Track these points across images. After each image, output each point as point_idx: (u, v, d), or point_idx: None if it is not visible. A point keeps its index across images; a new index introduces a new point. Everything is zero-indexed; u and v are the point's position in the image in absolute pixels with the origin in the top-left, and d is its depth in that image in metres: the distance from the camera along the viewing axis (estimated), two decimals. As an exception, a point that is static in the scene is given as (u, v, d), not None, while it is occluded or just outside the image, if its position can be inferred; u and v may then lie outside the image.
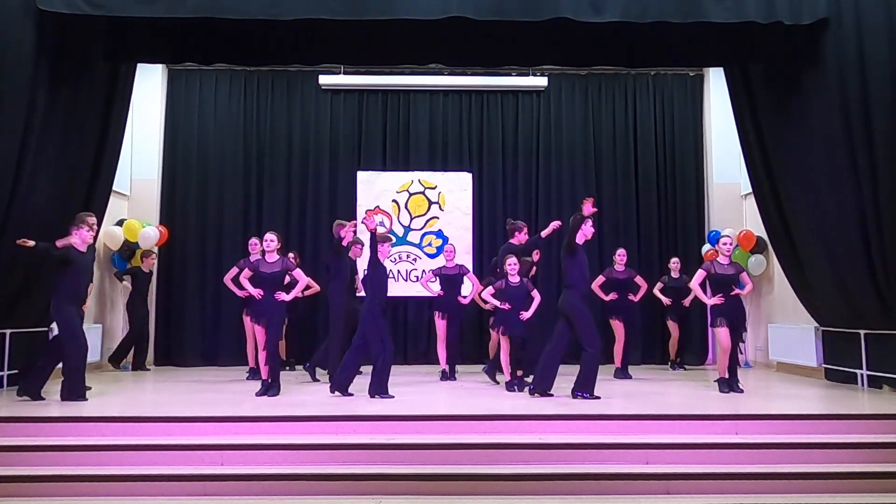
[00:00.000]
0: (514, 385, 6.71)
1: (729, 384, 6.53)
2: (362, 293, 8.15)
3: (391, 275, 9.20)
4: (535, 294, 6.85)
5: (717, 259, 6.74)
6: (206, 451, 4.74)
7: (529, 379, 6.61)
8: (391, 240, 6.83)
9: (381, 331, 6.37)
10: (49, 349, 6.29)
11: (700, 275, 6.73)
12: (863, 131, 6.52)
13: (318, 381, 7.38)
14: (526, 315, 6.72)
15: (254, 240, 7.87)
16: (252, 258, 7.12)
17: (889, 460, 4.75)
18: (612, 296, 8.06)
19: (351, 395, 6.30)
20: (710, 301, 6.60)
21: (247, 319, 7.79)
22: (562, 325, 6.32)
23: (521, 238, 7.35)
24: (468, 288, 8.18)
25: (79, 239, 6.07)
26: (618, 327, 8.04)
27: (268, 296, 6.50)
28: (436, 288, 8.03)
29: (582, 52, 7.46)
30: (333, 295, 7.37)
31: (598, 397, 6.11)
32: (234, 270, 7.33)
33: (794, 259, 7.78)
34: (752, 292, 7.43)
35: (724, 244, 6.77)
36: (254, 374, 7.71)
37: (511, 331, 6.75)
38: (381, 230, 9.24)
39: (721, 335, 6.52)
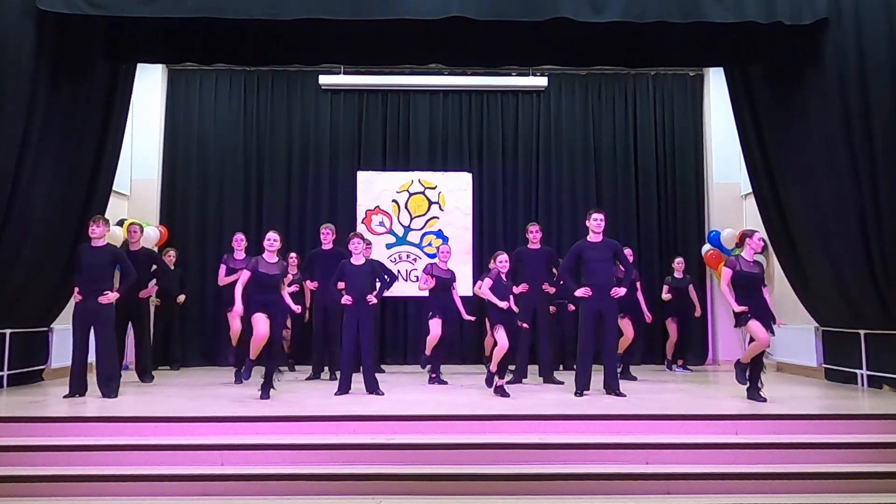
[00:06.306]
0: (491, 381, 6.62)
1: (750, 392, 6.04)
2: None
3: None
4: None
5: (742, 256, 6.16)
6: (206, 451, 4.75)
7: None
8: (360, 236, 6.83)
9: (350, 327, 6.51)
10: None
11: (727, 274, 6.10)
12: (863, 131, 6.52)
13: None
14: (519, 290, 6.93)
15: (239, 235, 7.78)
16: (236, 255, 7.17)
17: (889, 460, 4.75)
18: None
19: (382, 393, 6.43)
20: (739, 308, 5.99)
21: (229, 316, 7.45)
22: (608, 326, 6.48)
23: (535, 239, 7.53)
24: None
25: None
26: (625, 325, 8.03)
27: (269, 295, 6.46)
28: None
29: (582, 52, 7.47)
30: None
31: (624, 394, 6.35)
32: (223, 271, 7.55)
33: (794, 259, 7.78)
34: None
35: (756, 240, 6.14)
36: (238, 377, 7.31)
37: (498, 326, 6.61)
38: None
39: (755, 328, 5.95)
